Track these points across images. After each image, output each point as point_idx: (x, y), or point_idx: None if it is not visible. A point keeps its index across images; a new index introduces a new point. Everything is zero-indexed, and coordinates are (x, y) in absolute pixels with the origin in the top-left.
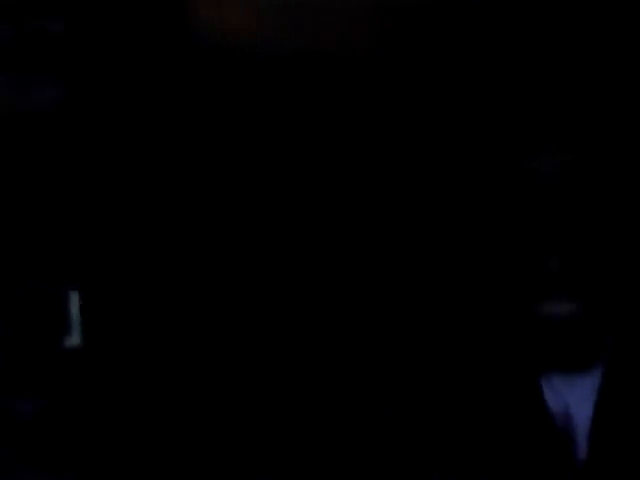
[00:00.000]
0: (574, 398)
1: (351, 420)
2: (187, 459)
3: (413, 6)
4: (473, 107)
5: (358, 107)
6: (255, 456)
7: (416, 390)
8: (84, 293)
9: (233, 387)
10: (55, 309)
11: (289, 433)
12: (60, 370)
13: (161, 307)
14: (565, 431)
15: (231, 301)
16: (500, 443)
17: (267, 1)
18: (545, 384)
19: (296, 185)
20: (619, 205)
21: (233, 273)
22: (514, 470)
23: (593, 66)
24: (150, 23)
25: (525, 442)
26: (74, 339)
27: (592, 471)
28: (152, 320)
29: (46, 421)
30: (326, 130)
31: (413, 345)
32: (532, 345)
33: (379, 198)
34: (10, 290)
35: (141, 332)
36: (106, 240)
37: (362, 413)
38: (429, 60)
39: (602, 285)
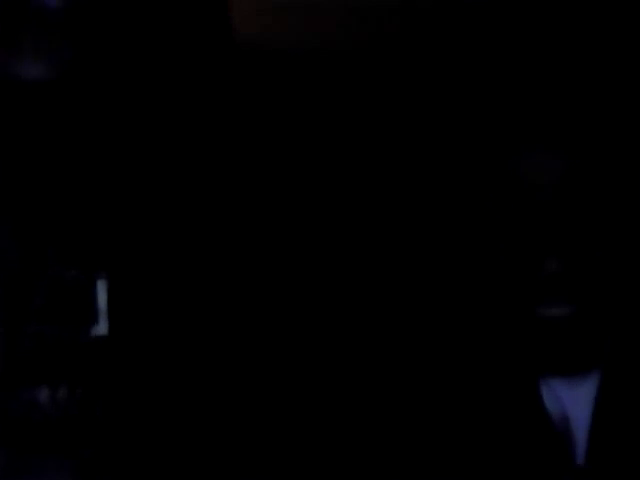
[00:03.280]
0: (572, 401)
1: (350, 421)
2: (191, 458)
3: (412, 7)
4: (472, 106)
5: (355, 107)
6: (255, 456)
7: (415, 391)
8: (112, 282)
9: (237, 387)
10: (83, 298)
11: (289, 433)
12: (86, 359)
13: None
14: (563, 434)
15: (235, 301)
16: (498, 445)
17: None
18: (544, 387)
19: (297, 184)
20: (618, 207)
21: (245, 272)
22: (512, 472)
23: (590, 66)
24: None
25: (523, 445)
26: (101, 328)
27: (590, 474)
28: (176, 314)
29: (68, 411)
30: (326, 130)
31: (412, 347)
32: (530, 348)
33: (375, 195)
34: (37, 278)
35: (165, 324)
36: (135, 229)
37: (361, 415)
38: (428, 60)
39: (600, 288)
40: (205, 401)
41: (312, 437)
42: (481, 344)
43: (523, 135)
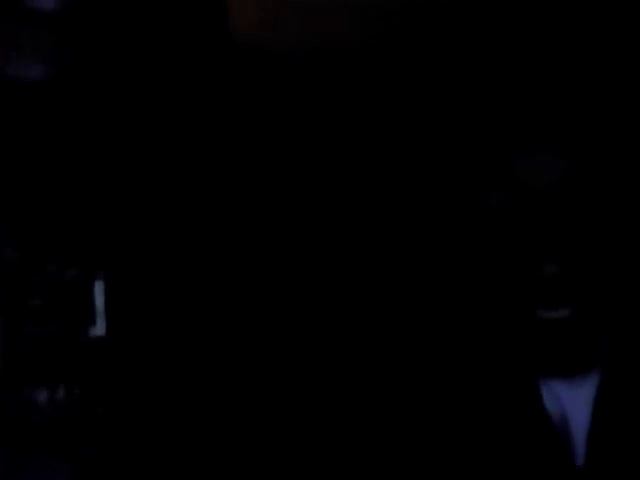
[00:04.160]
0: (572, 401)
1: (350, 421)
2: (191, 458)
3: (412, 7)
4: (471, 106)
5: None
6: (255, 456)
7: (415, 392)
8: (110, 283)
9: (236, 387)
10: (81, 298)
11: (288, 433)
12: (84, 360)
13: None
14: (563, 435)
15: (234, 301)
16: (498, 445)
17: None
18: (543, 387)
19: (298, 184)
20: (617, 209)
21: (244, 272)
22: (512, 472)
23: (590, 66)
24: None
25: (523, 445)
26: (99, 329)
27: (590, 475)
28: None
29: (67, 411)
30: (326, 130)
31: (412, 348)
32: (530, 349)
33: (374, 195)
34: (36, 278)
35: (163, 324)
36: (133, 230)
37: (361, 415)
38: (428, 61)
39: (600, 289)
40: (204, 401)
41: (312, 437)
42: (481, 345)
43: (522, 136)
